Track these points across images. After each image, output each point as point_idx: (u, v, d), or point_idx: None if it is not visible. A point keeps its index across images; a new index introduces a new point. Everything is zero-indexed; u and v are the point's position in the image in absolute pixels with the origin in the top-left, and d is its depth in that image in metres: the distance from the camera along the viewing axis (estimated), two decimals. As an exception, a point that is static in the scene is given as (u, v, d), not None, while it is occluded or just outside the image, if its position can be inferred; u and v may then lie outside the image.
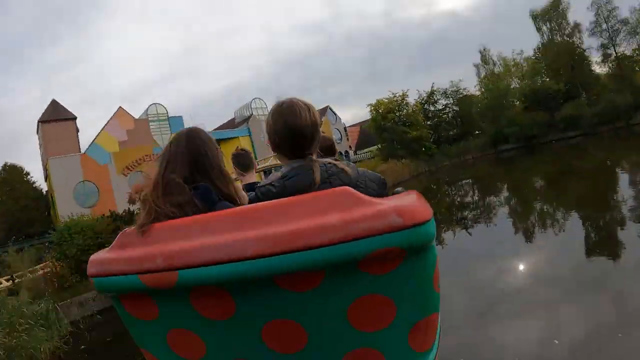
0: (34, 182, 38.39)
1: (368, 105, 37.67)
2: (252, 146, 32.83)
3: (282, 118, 1.36)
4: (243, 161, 2.71)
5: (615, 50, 38.08)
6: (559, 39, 40.43)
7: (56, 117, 28.87)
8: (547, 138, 34.48)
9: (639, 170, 13.86)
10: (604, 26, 37.96)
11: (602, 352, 3.68)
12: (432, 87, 42.48)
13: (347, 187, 1.06)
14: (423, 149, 34.91)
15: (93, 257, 1.16)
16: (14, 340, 7.42)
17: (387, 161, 30.99)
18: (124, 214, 13.55)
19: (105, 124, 28.55)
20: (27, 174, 38.26)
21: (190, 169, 1.30)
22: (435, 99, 42.80)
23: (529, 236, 8.54)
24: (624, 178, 12.93)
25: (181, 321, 1.12)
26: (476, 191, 19.29)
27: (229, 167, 2.20)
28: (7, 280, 13.50)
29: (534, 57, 42.36)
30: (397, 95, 37.16)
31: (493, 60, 43.38)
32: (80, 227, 13.12)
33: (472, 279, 6.27)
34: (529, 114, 36.13)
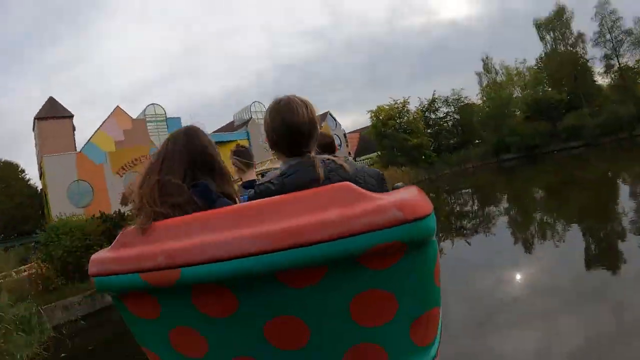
0: (28, 180, 38.09)
1: (368, 111, 37.53)
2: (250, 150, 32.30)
3: (279, 115, 1.36)
4: (243, 158, 2.71)
5: (618, 61, 37.90)
6: (562, 49, 40.27)
7: (53, 115, 28.50)
8: (549, 148, 34.24)
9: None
10: (608, 36, 37.84)
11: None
12: (433, 94, 42.28)
13: (347, 183, 1.06)
14: (423, 157, 34.68)
15: (94, 256, 1.15)
16: (-11, 347, 7.06)
17: (387, 168, 30.67)
18: (114, 215, 13.14)
19: (102, 123, 28.21)
20: (22, 171, 37.98)
21: (189, 166, 1.29)
22: (437, 106, 42.58)
23: (528, 246, 8.46)
24: (626, 189, 12.80)
25: (183, 319, 1.12)
26: (476, 200, 19.03)
27: (228, 167, 2.10)
28: (-12, 281, 13.08)
29: (536, 67, 42.21)
30: (398, 102, 36.97)
31: (495, 69, 43.25)
32: (68, 227, 12.74)
33: (470, 289, 6.22)
34: (531, 123, 35.87)
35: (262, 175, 2.06)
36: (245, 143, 34.74)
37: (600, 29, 38.00)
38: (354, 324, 1.07)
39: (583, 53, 39.86)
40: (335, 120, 46.31)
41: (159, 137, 28.63)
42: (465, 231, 11.70)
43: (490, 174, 29.78)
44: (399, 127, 35.69)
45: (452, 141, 42.35)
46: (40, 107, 29.23)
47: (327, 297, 1.04)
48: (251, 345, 1.12)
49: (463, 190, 22.80)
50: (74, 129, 29.95)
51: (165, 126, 30.11)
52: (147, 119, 30.04)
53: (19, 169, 38.00)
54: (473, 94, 46.10)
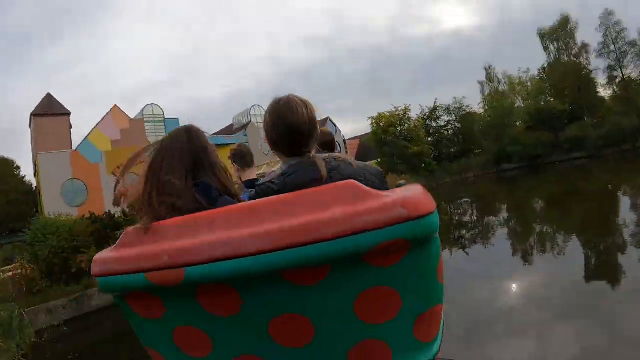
0: (23, 177, 37.71)
1: (369, 117, 37.20)
2: (249, 153, 32.04)
3: (279, 115, 1.35)
4: (243, 157, 2.68)
5: (622, 72, 37.64)
6: (566, 59, 40.02)
7: (50, 112, 28.14)
8: (552, 159, 33.84)
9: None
10: (612, 47, 37.54)
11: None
12: (435, 102, 42.01)
13: (351, 180, 1.07)
14: (423, 165, 34.30)
15: (97, 256, 1.16)
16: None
17: (387, 175, 30.06)
18: (104, 216, 12.70)
19: (99, 122, 27.85)
20: (18, 167, 37.59)
21: (191, 166, 1.28)
22: (438, 114, 42.29)
23: (527, 258, 8.39)
24: (628, 202, 12.67)
25: (188, 318, 1.12)
26: (478, 210, 18.67)
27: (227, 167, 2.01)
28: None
29: (538, 77, 41.97)
30: (399, 109, 36.63)
31: (498, 78, 43.02)
32: (55, 227, 12.27)
33: (469, 299, 6.18)
34: (533, 133, 35.46)
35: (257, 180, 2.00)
36: (243, 146, 34.21)
37: (605, 40, 37.75)
38: (358, 321, 1.07)
39: (587, 64, 39.66)
40: (335, 126, 46.03)
41: (156, 138, 28.04)
42: (464, 241, 11.47)
43: (492, 184, 29.47)
44: (400, 135, 35.35)
45: (452, 150, 42.03)
46: (38, 103, 28.84)
47: (332, 294, 1.04)
48: (256, 344, 1.11)
49: (463, 200, 22.45)
50: (70, 126, 29.58)
51: (163, 127, 29.77)
52: (145, 119, 29.72)
53: (15, 166, 37.58)
54: (475, 103, 45.74)
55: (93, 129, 27.56)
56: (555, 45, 40.60)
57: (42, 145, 26.36)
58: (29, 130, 30.89)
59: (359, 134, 52.35)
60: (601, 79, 39.16)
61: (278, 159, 1.45)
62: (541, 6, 60.10)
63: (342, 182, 1.07)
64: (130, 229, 1.17)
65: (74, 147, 27.36)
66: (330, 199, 1.02)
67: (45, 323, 10.73)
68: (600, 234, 8.98)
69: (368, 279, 1.04)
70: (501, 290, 6.53)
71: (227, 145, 31.96)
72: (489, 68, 43.66)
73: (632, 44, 36.70)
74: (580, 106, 37.18)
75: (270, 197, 1.11)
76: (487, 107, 41.62)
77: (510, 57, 65.47)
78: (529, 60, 68.36)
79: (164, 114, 30.69)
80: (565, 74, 38.07)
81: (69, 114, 29.38)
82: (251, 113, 36.37)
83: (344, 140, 47.26)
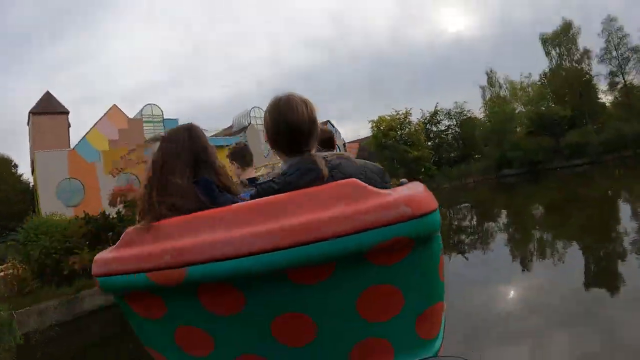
0: (21, 175, 37.47)
1: (370, 121, 37.07)
2: (248, 155, 31.82)
3: (279, 114, 1.34)
4: (242, 156, 2.63)
5: (624, 79, 37.54)
6: (568, 65, 39.89)
7: (48, 110, 27.90)
8: (552, 164, 33.56)
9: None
10: (614, 53, 37.49)
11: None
12: (435, 106, 41.86)
13: (354, 179, 1.06)
14: (423, 170, 34.11)
15: (98, 256, 1.15)
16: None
17: (387, 179, 30.08)
18: (98, 217, 12.46)
19: (97, 121, 27.63)
20: (15, 165, 37.37)
21: (191, 164, 1.29)
22: (439, 119, 42.16)
23: (527, 264, 8.32)
24: (630, 209, 12.51)
25: (189, 318, 1.12)
26: (476, 216, 18.46)
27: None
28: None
29: (539, 82, 41.88)
30: (400, 113, 36.48)
31: (499, 83, 42.91)
32: (47, 226, 12.04)
33: (468, 304, 6.10)
34: (534, 139, 35.25)
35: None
36: (242, 147, 33.99)
37: (607, 46, 37.73)
38: (360, 319, 1.07)
39: (588, 69, 39.61)
40: (335, 128, 45.97)
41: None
42: (463, 246, 11.33)
43: (492, 190, 29.23)
44: (400, 139, 35.20)
45: (452, 154, 41.94)
46: (37, 101, 28.62)
47: (335, 293, 1.04)
48: (258, 343, 1.11)
49: (462, 205, 22.21)
50: (69, 125, 29.36)
51: (162, 127, 29.47)
52: (143, 119, 29.47)
53: (12, 164, 37.35)
54: (476, 108, 45.59)
55: (91, 128, 27.33)
56: (557, 50, 40.55)
57: (40, 143, 26.13)
58: (27, 128, 30.69)
59: (359, 138, 52.24)
60: (602, 85, 39.22)
61: (277, 162, 1.46)
62: (542, 11, 59.94)
63: (343, 180, 1.06)
64: (131, 228, 1.16)
65: (71, 147, 27.12)
66: (332, 198, 1.01)
67: (36, 325, 10.51)
68: (600, 240, 8.90)
69: (371, 278, 1.03)
70: (500, 296, 6.46)
71: (226, 146, 31.57)
72: (491, 72, 43.67)
73: (635, 50, 36.69)
74: (581, 112, 37.06)
75: (272, 196, 1.10)
76: (488, 112, 41.47)
77: (511, 63, 65.51)
78: (530, 66, 68.47)
79: (163, 115, 30.46)
80: (567, 79, 38.01)
81: (67, 112, 29.18)
82: (251, 115, 36.13)
83: (344, 144, 47.12)
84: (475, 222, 16.81)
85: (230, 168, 2.61)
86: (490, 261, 9.10)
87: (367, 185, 1.03)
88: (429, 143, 39.15)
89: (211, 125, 34.20)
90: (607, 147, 31.35)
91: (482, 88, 44.23)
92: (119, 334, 8.89)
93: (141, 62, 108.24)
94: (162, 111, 30.56)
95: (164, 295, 1.09)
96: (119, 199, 13.33)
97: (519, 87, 41.86)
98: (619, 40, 37.16)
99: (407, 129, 36.39)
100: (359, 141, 51.44)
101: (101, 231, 12.09)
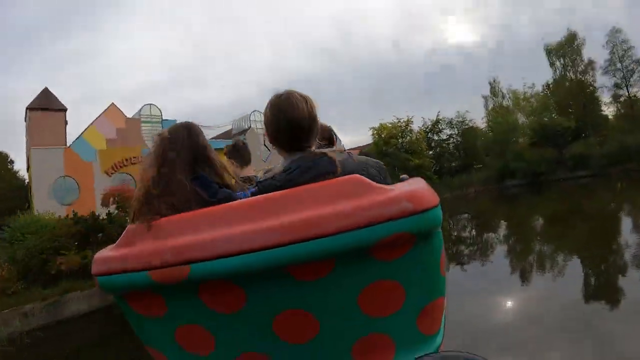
0: (17, 171, 37.15)
1: (371, 128, 36.81)
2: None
3: (279, 111, 1.34)
4: (240, 154, 2.60)
5: (628, 91, 37.29)
6: (572, 76, 39.67)
7: (46, 106, 27.50)
8: (555, 176, 33.16)
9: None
10: (619, 65, 37.17)
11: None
12: (437, 115, 41.61)
13: (356, 175, 1.07)
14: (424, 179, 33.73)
15: (97, 255, 1.14)
16: None
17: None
18: (87, 217, 12.11)
19: (95, 119, 27.30)
20: (12, 161, 37.04)
21: (191, 161, 1.30)
22: (440, 128, 41.90)
23: (526, 276, 8.28)
24: (632, 222, 12.52)
25: (190, 316, 1.10)
26: (476, 227, 18.20)
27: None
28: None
29: (542, 93, 41.68)
30: (402, 120, 36.21)
31: (502, 93, 42.69)
32: (36, 226, 11.68)
33: (467, 314, 6.01)
34: (537, 150, 34.84)
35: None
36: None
37: (611, 57, 37.42)
38: (362, 315, 1.06)
39: (592, 81, 39.38)
40: (335, 135, 45.63)
41: (152, 139, 27.62)
42: (463, 257, 11.21)
43: (493, 201, 29.07)
44: (401, 147, 34.90)
45: (454, 164, 41.67)
46: (34, 97, 28.29)
47: (337, 289, 1.04)
48: (259, 340, 1.10)
49: (462, 215, 21.92)
50: (66, 123, 29.02)
51: (161, 128, 29.17)
52: (142, 119, 29.14)
53: (9, 159, 37.03)
54: (478, 117, 45.28)
55: (89, 126, 27.01)
56: (562, 61, 40.32)
57: (36, 140, 25.76)
58: (24, 123, 30.38)
59: (360, 145, 52.04)
60: (606, 97, 38.98)
61: (276, 165, 1.41)
62: (546, 22, 59.95)
63: (345, 176, 1.07)
64: (131, 226, 1.15)
65: (68, 145, 26.79)
66: (334, 194, 1.01)
67: (20, 327, 10.12)
68: (601, 254, 8.87)
69: (372, 273, 1.03)
70: (498, 305, 6.47)
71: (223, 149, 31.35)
72: (494, 82, 43.45)
73: (639, 62, 36.40)
74: (585, 123, 36.83)
75: (273, 193, 1.10)
76: (490, 122, 41.22)
77: (514, 72, 65.34)
78: (531, 76, 68.52)
79: (162, 115, 30.15)
80: (571, 90, 37.80)
81: (65, 109, 28.78)
82: (251, 119, 35.77)
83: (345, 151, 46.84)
84: (475, 233, 16.55)
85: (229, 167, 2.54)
86: (490, 272, 9.01)
87: (368, 180, 1.03)
88: (430, 152, 38.88)
89: (210, 128, 33.81)
90: (610, 160, 31.04)
91: (485, 97, 44.10)
92: (104, 339, 8.59)
93: (142, 63, 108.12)
94: (160, 112, 30.26)
95: (165, 294, 1.07)
96: (111, 199, 13.00)
97: (522, 97, 41.62)
98: (623, 52, 36.89)
99: (408, 137, 36.10)
100: (360, 148, 51.29)
101: (90, 232, 11.74)
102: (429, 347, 1.13)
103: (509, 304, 6.54)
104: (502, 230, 15.72)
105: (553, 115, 38.62)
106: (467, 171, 39.02)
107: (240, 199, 1.27)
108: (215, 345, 1.12)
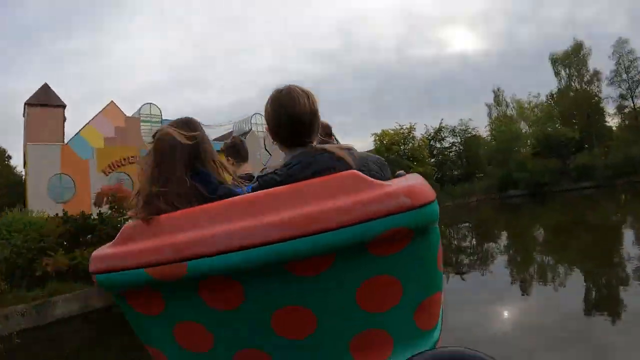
0: (15, 167, 36.80)
1: (373, 134, 36.50)
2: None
3: (280, 106, 1.33)
4: (238, 152, 2.60)
5: (633, 102, 37.14)
6: (577, 86, 39.41)
7: (45, 102, 27.21)
8: (559, 187, 32.75)
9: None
10: (624, 76, 37.05)
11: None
12: (440, 123, 41.30)
13: (354, 171, 1.07)
14: (426, 186, 33.40)
15: (95, 253, 1.13)
16: None
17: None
18: (77, 217, 11.67)
19: (94, 117, 26.97)
20: (9, 157, 36.71)
21: (191, 158, 1.28)
22: (443, 136, 41.60)
23: (526, 288, 8.14)
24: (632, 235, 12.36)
25: (188, 314, 1.10)
26: (477, 237, 17.90)
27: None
28: None
29: (546, 103, 41.48)
30: (404, 127, 35.88)
31: (506, 102, 42.43)
32: (23, 224, 11.22)
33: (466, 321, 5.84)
34: (541, 160, 34.44)
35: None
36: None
37: (617, 68, 37.33)
38: (360, 310, 1.06)
39: (597, 91, 39.22)
40: (337, 141, 45.35)
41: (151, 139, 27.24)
42: (463, 267, 10.86)
43: (495, 210, 28.53)
44: (403, 154, 34.57)
45: (456, 172, 41.36)
46: (34, 92, 27.98)
47: (335, 285, 1.03)
48: (258, 337, 1.10)
49: (463, 225, 21.57)
50: (64, 119, 28.69)
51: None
52: (141, 118, 28.82)
53: (6, 155, 36.70)
54: (481, 126, 45.04)
55: (87, 123, 26.69)
56: (567, 71, 40.09)
57: (34, 136, 25.44)
58: (23, 119, 30.06)
59: (361, 151, 51.72)
60: (610, 108, 38.89)
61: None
62: (550, 33, 59.74)
63: (345, 172, 1.07)
64: (129, 223, 1.15)
65: (66, 142, 26.43)
66: (334, 189, 1.01)
67: (1, 331, 9.70)
68: (602, 266, 8.68)
69: (370, 269, 1.03)
70: (497, 315, 6.38)
71: (224, 151, 30.96)
72: (498, 91, 43.25)
73: (646, 73, 36.22)
74: (589, 134, 36.60)
75: (273, 189, 1.10)
76: (494, 131, 40.96)
77: (518, 82, 65.16)
78: (534, 85, 68.44)
79: (161, 115, 29.84)
80: (576, 100, 37.59)
81: (64, 106, 28.49)
82: (252, 121, 35.46)
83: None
84: (475, 243, 16.18)
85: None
86: (491, 283, 8.59)
87: (367, 176, 1.04)
88: (432, 160, 38.63)
89: (211, 130, 33.46)
90: (615, 171, 30.79)
91: (489, 106, 43.88)
92: (91, 344, 8.18)
93: (142, 63, 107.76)
94: (160, 111, 29.96)
95: (164, 291, 1.06)
96: (105, 199, 12.55)
97: (527, 106, 41.35)
98: (629, 63, 36.80)
99: (410, 144, 35.79)
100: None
101: (80, 232, 11.30)
102: (427, 342, 1.13)
103: (507, 314, 6.44)
104: (504, 240, 15.39)
105: (557, 125, 38.43)
106: (469, 180, 38.74)
107: (240, 194, 1.24)
108: (214, 343, 1.10)
